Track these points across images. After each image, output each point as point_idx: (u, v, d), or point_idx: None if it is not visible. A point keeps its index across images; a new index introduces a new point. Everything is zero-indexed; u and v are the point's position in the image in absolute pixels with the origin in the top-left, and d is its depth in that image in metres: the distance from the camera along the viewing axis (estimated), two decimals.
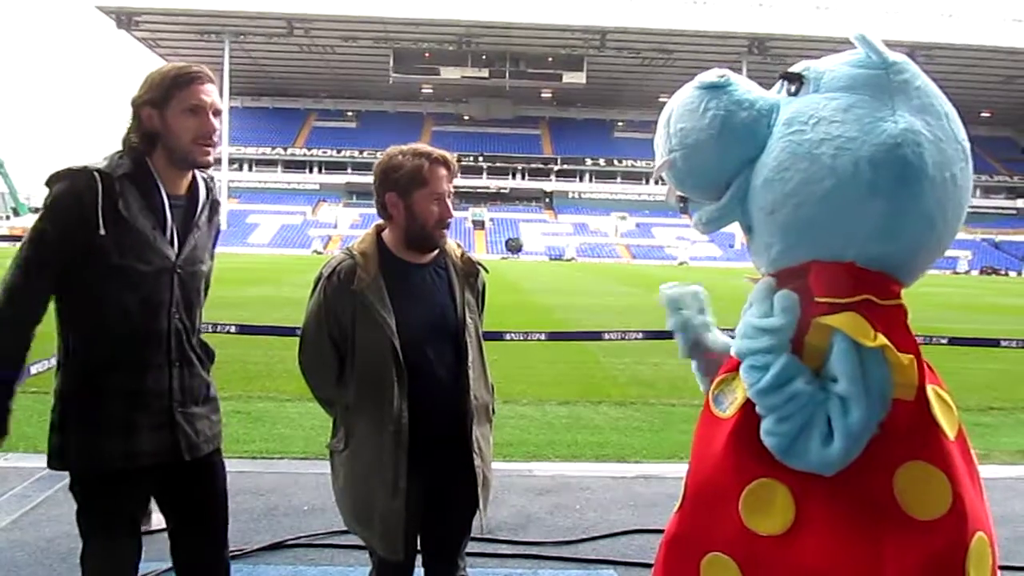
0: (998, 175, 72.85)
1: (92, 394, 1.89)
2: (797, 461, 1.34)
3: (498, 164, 73.90)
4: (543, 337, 10.21)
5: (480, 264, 2.27)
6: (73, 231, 1.82)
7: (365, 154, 67.58)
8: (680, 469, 1.55)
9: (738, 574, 1.41)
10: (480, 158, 73.39)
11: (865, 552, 1.31)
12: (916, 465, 1.33)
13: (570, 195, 74.56)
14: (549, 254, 60.08)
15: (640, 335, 6.43)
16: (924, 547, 1.30)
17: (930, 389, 1.37)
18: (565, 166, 74.39)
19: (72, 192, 1.82)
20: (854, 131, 1.33)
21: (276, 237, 62.21)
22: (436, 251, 2.19)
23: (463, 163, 69.18)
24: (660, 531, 1.56)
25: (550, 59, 67.07)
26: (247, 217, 65.25)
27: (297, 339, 2.20)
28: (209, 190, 2.07)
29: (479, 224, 67.28)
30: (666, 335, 1.82)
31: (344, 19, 58.54)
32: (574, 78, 67.16)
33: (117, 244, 1.85)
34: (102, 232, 1.82)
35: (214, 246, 2.13)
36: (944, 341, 9.97)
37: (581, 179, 75.16)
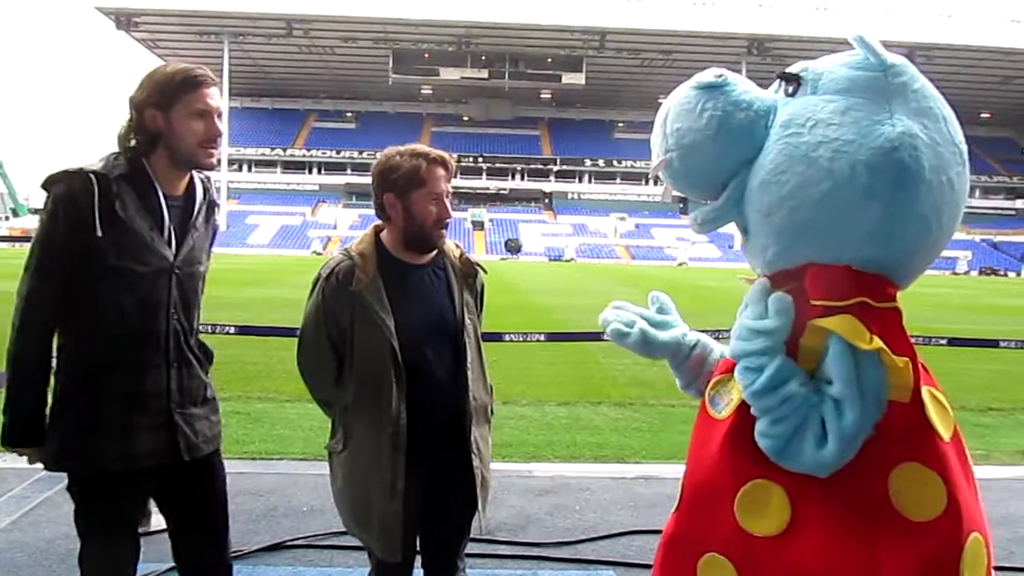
0: (997, 176, 72.91)
1: (90, 395, 1.89)
2: (791, 463, 1.34)
3: (497, 165, 73.94)
4: (542, 338, 10.26)
5: (479, 265, 2.27)
6: (74, 233, 1.82)
7: (364, 155, 67.63)
8: (679, 470, 1.55)
9: (734, 575, 1.42)
10: (479, 159, 73.43)
11: (860, 553, 1.32)
12: (911, 467, 1.33)
13: (569, 196, 74.59)
14: (548, 255, 60.09)
15: None
16: (919, 548, 1.30)
17: (925, 391, 1.37)
18: (564, 167, 74.43)
19: (69, 194, 1.82)
20: (851, 134, 1.33)
21: (275, 238, 62.23)
22: (435, 252, 2.19)
23: (462, 164, 69.55)
24: (659, 532, 1.57)
25: (549, 60, 67.11)
26: (246, 218, 65.25)
27: (296, 340, 2.20)
28: (206, 190, 2.07)
29: (478, 225, 67.28)
30: None
31: (343, 20, 58.56)
32: (573, 79, 67.21)
33: (114, 245, 1.85)
34: (99, 233, 1.82)
35: (211, 247, 2.13)
36: (943, 342, 10.01)
37: (580, 180, 75.21)
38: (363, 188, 55.64)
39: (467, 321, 2.16)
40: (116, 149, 1.94)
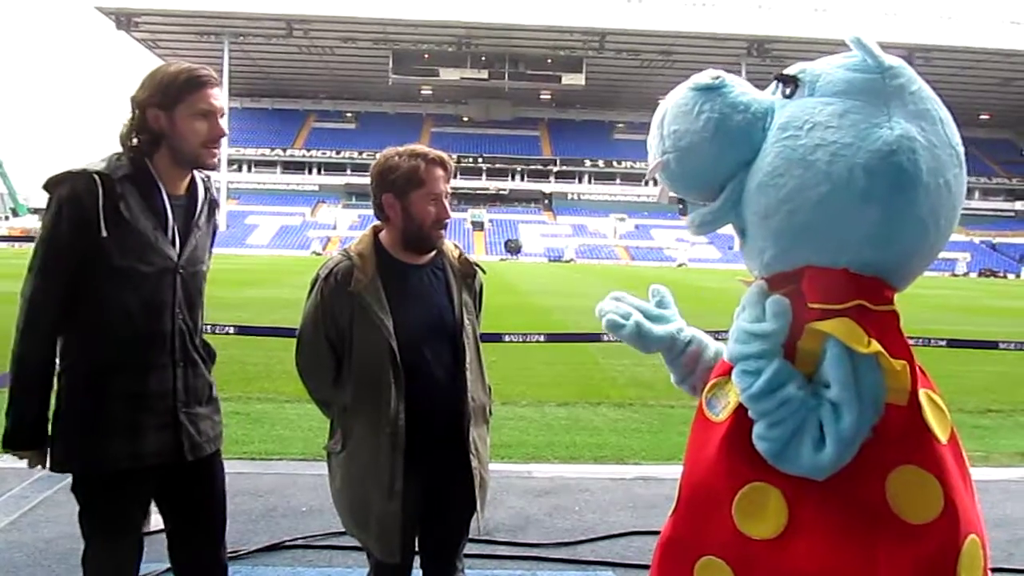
0: (997, 177, 72.97)
1: (97, 396, 1.89)
2: (789, 466, 1.34)
3: (497, 165, 73.98)
4: (542, 338, 10.21)
5: (477, 265, 2.27)
6: (78, 234, 1.82)
7: (364, 155, 67.65)
8: (679, 471, 1.55)
9: None
10: (479, 159, 73.46)
11: (858, 556, 1.32)
12: (908, 469, 1.33)
13: (569, 196, 74.61)
14: (548, 255, 60.09)
15: None
16: (916, 551, 1.30)
17: (923, 393, 1.37)
18: (564, 167, 74.46)
19: (73, 195, 1.82)
20: (849, 137, 1.33)
21: (275, 238, 62.24)
22: (433, 252, 2.19)
23: (462, 164, 69.58)
24: (659, 533, 1.57)
25: (549, 60, 67.15)
26: (246, 218, 65.25)
27: (295, 340, 2.20)
28: (207, 189, 2.07)
29: (478, 225, 67.30)
30: None
31: (343, 20, 58.58)
32: (573, 80, 67.25)
33: (119, 246, 1.85)
34: (104, 234, 1.82)
35: (212, 246, 2.13)
36: (943, 343, 9.97)
37: (580, 180, 75.24)
38: (363, 188, 55.63)
39: (466, 321, 2.16)
40: (117, 149, 1.94)
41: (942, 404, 1.43)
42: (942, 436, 1.38)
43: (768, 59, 57.49)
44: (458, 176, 72.58)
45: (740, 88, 1.46)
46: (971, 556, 1.33)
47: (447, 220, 2.14)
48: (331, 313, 2.08)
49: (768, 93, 1.50)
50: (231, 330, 5.94)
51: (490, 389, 2.27)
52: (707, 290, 21.94)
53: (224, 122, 1.99)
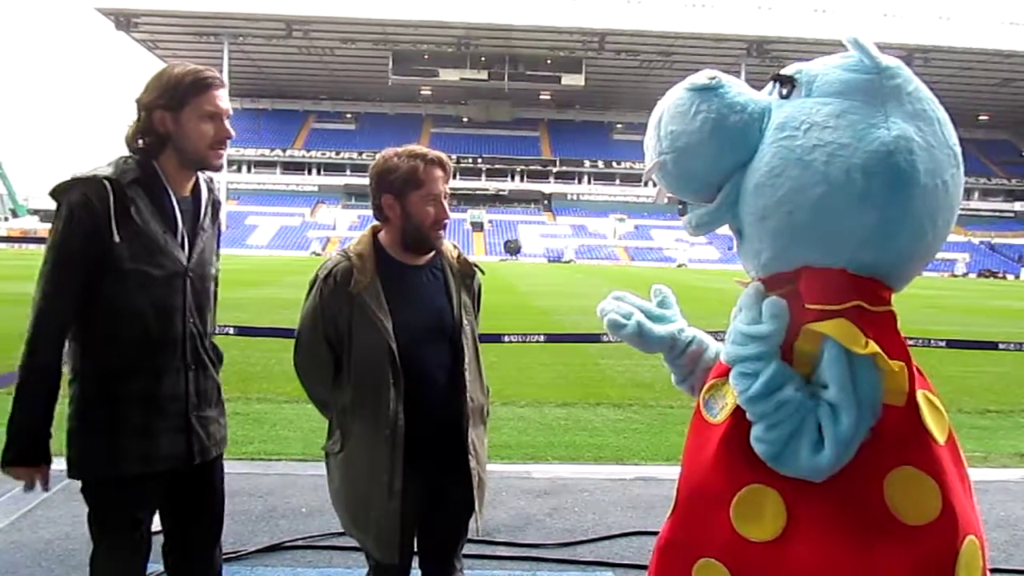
0: (996, 178, 73.00)
1: (110, 400, 1.89)
2: (787, 468, 1.34)
3: (497, 166, 73.98)
4: (542, 339, 10.23)
5: (476, 266, 2.27)
6: (90, 240, 1.82)
7: (364, 156, 67.64)
8: (678, 471, 1.55)
9: None
10: (479, 160, 73.47)
11: (855, 557, 1.31)
12: (906, 471, 1.33)
13: (569, 197, 74.61)
14: (548, 256, 60.09)
15: None
16: (914, 552, 1.30)
17: (920, 395, 1.38)
18: (564, 168, 74.47)
19: (85, 201, 1.81)
20: (847, 138, 1.33)
21: (275, 238, 62.23)
22: (432, 253, 2.19)
23: (462, 165, 69.57)
24: (658, 533, 1.57)
25: (549, 61, 67.17)
26: (246, 219, 65.25)
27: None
28: (210, 190, 2.08)
29: (478, 226, 67.29)
30: None
31: (343, 21, 58.59)
32: (573, 80, 67.27)
33: (130, 250, 1.85)
34: (117, 239, 1.83)
35: (218, 247, 2.13)
36: (942, 344, 9.99)
37: (580, 181, 75.24)
38: (362, 189, 55.65)
39: (465, 322, 2.16)
40: (121, 150, 1.94)
41: (940, 405, 1.43)
42: (940, 437, 1.38)
43: (768, 59, 57.53)
44: (457, 177, 72.55)
45: (737, 88, 1.46)
46: (969, 557, 1.33)
47: (446, 221, 2.14)
48: (330, 314, 2.08)
49: (765, 94, 1.50)
50: (231, 330, 5.95)
51: (488, 390, 2.27)
52: (706, 290, 21.95)
53: (230, 124, 1.99)
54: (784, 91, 1.44)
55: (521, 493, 4.10)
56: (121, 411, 1.89)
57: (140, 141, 1.92)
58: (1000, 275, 57.42)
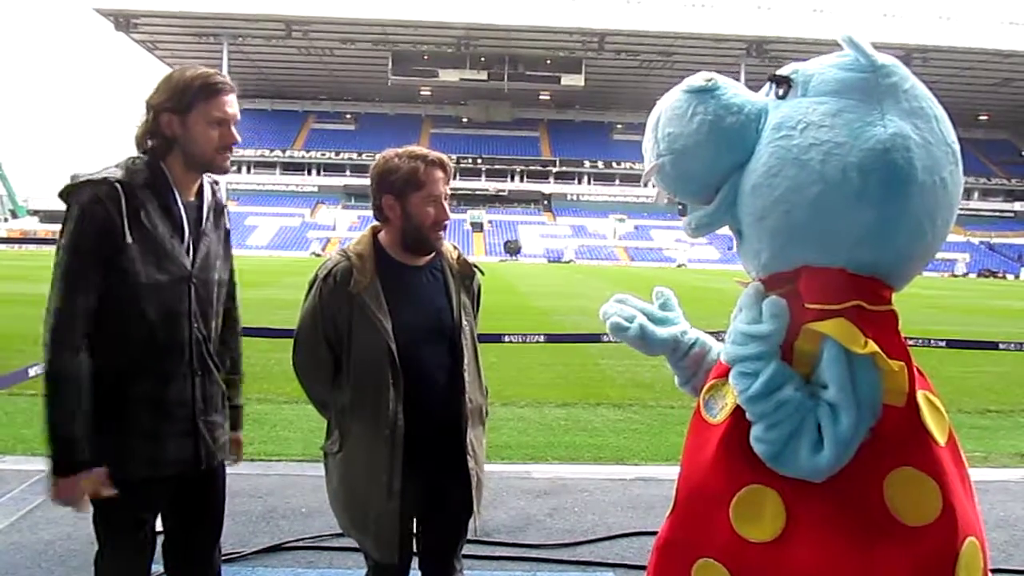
0: (995, 178, 72.99)
1: (119, 404, 1.89)
2: (787, 468, 1.34)
3: (497, 166, 73.97)
4: (542, 339, 10.27)
5: (476, 266, 2.28)
6: (104, 239, 1.81)
7: (364, 156, 67.63)
8: (678, 472, 1.55)
9: None
10: (479, 160, 73.46)
11: (855, 558, 1.31)
12: (906, 471, 1.33)
13: (568, 197, 74.60)
14: (548, 256, 60.08)
15: None
16: (914, 553, 1.30)
17: (920, 395, 1.37)
18: (563, 168, 74.46)
19: (97, 202, 1.81)
20: (843, 136, 1.33)
21: (274, 239, 62.22)
22: (432, 253, 2.19)
23: (461, 165, 69.51)
24: (657, 533, 1.56)
25: (548, 61, 67.18)
26: (245, 219, 65.21)
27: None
28: (214, 193, 2.07)
29: (478, 226, 67.29)
30: None
31: (342, 21, 58.60)
32: (572, 80, 67.28)
33: (139, 253, 1.85)
34: (129, 241, 1.83)
35: (228, 247, 2.11)
36: (942, 344, 10.03)
37: (580, 181, 75.23)
38: (362, 189, 55.68)
39: (464, 323, 2.16)
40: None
41: (940, 406, 1.43)
42: (940, 438, 1.38)
43: (767, 60, 57.52)
44: (457, 177, 72.13)
45: (733, 90, 1.46)
46: (970, 558, 1.33)
47: (446, 222, 2.14)
48: (330, 313, 2.08)
49: (762, 94, 1.50)
50: None
51: (487, 390, 2.27)
52: (706, 291, 21.94)
53: (237, 130, 1.98)
54: (780, 91, 1.44)
55: (521, 493, 4.10)
56: (129, 414, 1.89)
57: (148, 142, 1.92)
58: (1000, 275, 57.41)
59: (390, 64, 65.84)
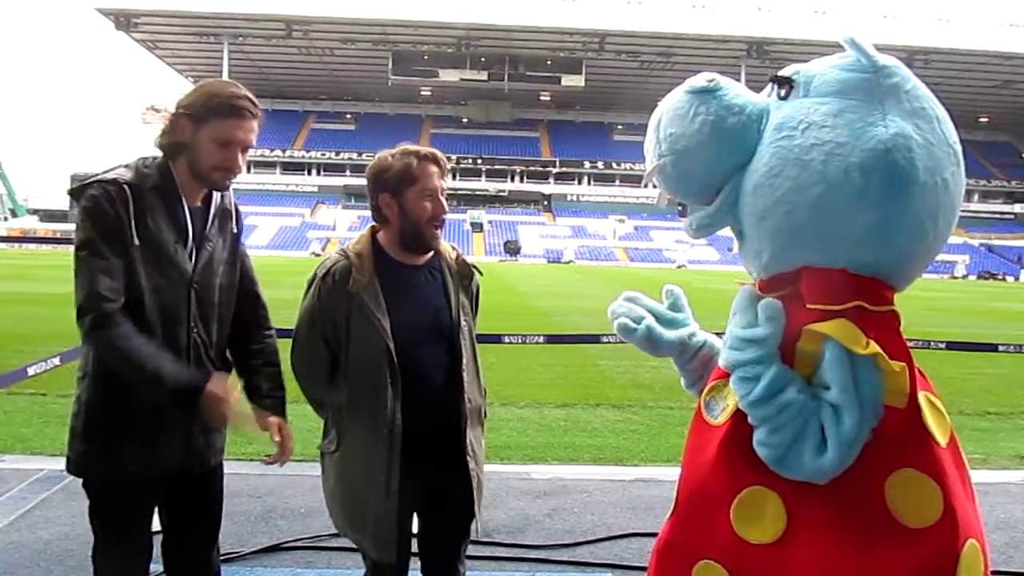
0: (996, 180, 73.00)
1: (115, 405, 1.90)
2: (791, 471, 1.33)
3: (497, 167, 73.96)
4: (541, 340, 10.27)
5: (475, 267, 2.27)
6: (115, 235, 1.82)
7: (364, 156, 67.58)
8: (678, 472, 1.54)
9: None
10: (479, 160, 73.46)
11: (856, 560, 1.31)
12: (907, 473, 1.32)
13: (568, 198, 74.61)
14: (547, 257, 60.07)
15: None
16: (915, 555, 1.29)
17: (922, 396, 1.37)
18: (564, 169, 74.46)
19: (107, 198, 1.82)
20: (844, 136, 1.33)
21: (274, 239, 62.18)
22: (431, 253, 2.19)
23: (461, 166, 69.53)
24: (658, 535, 1.56)
25: (549, 62, 67.21)
26: (245, 219, 64.68)
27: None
28: (222, 197, 2.07)
29: (477, 227, 67.28)
30: None
31: (342, 21, 58.63)
32: (573, 81, 67.32)
33: (144, 256, 1.85)
34: (136, 243, 1.83)
35: (235, 251, 2.10)
36: (942, 346, 10.03)
37: (580, 182, 75.24)
38: (362, 189, 55.03)
39: (463, 323, 2.16)
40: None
41: (941, 407, 1.43)
42: (942, 439, 1.37)
43: (768, 61, 57.61)
44: (457, 177, 72.98)
45: (735, 91, 1.46)
46: (970, 561, 1.32)
47: (444, 216, 2.14)
48: (328, 312, 2.08)
49: (763, 95, 1.50)
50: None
51: (485, 391, 2.27)
52: (706, 291, 21.95)
53: (245, 156, 1.97)
54: (782, 92, 1.44)
55: (520, 494, 4.10)
56: (123, 416, 1.90)
57: (163, 139, 1.93)
58: (1000, 277, 57.42)
59: (390, 64, 65.85)
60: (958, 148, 1.41)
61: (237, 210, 2.14)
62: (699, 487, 1.46)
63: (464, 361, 2.14)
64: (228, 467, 2.21)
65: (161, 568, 2.18)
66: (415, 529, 2.23)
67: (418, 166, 2.08)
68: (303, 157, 73.79)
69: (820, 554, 1.32)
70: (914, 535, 1.30)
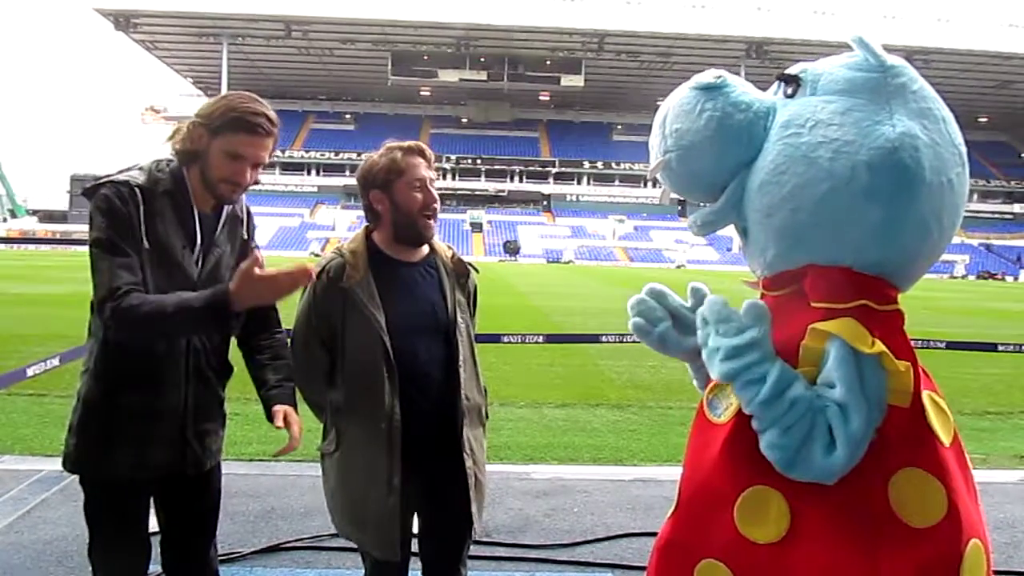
0: (995, 180, 73.03)
1: (111, 405, 1.90)
2: (801, 472, 1.31)
3: (496, 167, 73.94)
4: (541, 340, 10.25)
5: (471, 265, 2.28)
6: (128, 232, 1.82)
7: (363, 156, 65.96)
8: (677, 472, 1.53)
9: None
10: (478, 161, 73.45)
11: (860, 560, 1.30)
12: (911, 472, 1.32)
13: (568, 198, 74.60)
14: (547, 257, 60.07)
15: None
16: (919, 555, 1.29)
17: (926, 395, 1.37)
18: (563, 169, 74.47)
19: (119, 198, 1.82)
20: (851, 134, 1.33)
21: (274, 239, 62.14)
22: (426, 250, 2.19)
23: (461, 166, 69.57)
24: (657, 534, 1.56)
25: (548, 62, 67.22)
26: None
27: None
28: (234, 203, 2.07)
29: (477, 227, 67.27)
30: None
31: (342, 21, 58.61)
32: (572, 81, 67.32)
33: (151, 259, 1.86)
34: (145, 246, 1.84)
35: (244, 255, 2.08)
36: (942, 345, 10.02)
37: (579, 182, 75.23)
38: None
39: (459, 319, 2.16)
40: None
41: (945, 406, 1.42)
42: (945, 439, 1.37)
43: (767, 61, 57.66)
44: (457, 177, 73.09)
45: (742, 88, 1.46)
46: (974, 561, 1.32)
47: (435, 205, 2.14)
48: (323, 310, 2.08)
49: (770, 93, 1.50)
50: None
51: (486, 391, 2.26)
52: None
53: (257, 172, 1.97)
54: (789, 90, 1.44)
55: (520, 494, 4.10)
56: (118, 418, 1.91)
57: (180, 145, 1.94)
58: (999, 277, 57.45)
59: (390, 64, 65.83)
60: (963, 149, 1.42)
61: (249, 216, 2.15)
62: (702, 486, 1.45)
63: (461, 357, 2.13)
64: (228, 467, 2.21)
65: (159, 568, 2.18)
66: (415, 529, 2.22)
67: (403, 158, 2.10)
68: (302, 157, 73.75)
69: (824, 553, 1.32)
70: (918, 535, 1.30)
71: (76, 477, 1.99)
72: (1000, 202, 73.33)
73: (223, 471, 2.18)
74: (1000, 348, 10.27)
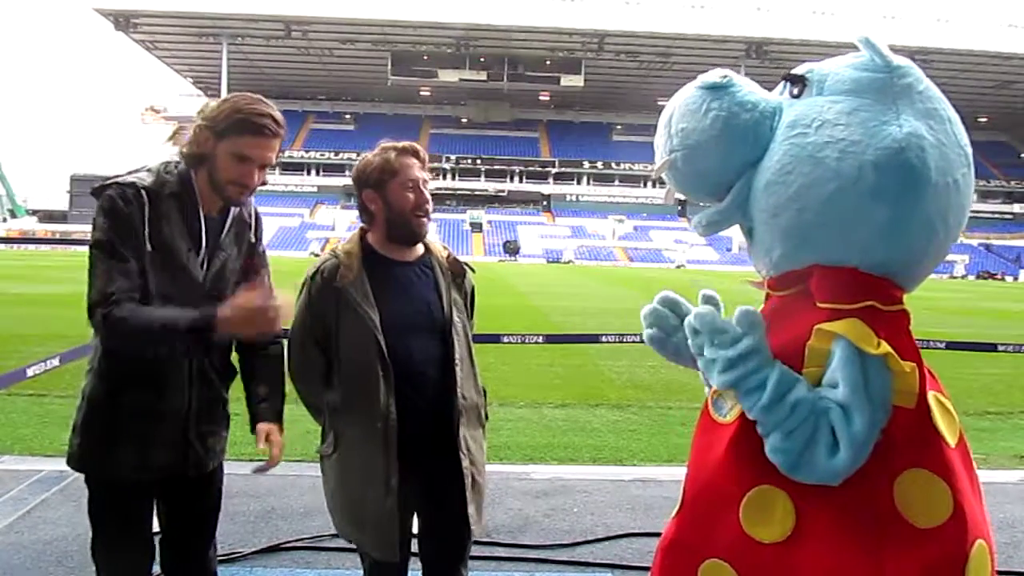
0: (995, 180, 73.04)
1: (114, 405, 1.91)
2: (806, 475, 1.31)
3: (496, 167, 73.94)
4: (541, 340, 10.25)
5: (468, 265, 2.28)
6: (131, 236, 1.82)
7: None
8: (677, 472, 1.53)
9: None
10: (478, 161, 73.45)
11: (865, 560, 1.30)
12: (917, 473, 1.32)
13: (568, 198, 74.61)
14: (547, 257, 60.08)
15: (638, 338, 6.41)
16: (924, 555, 1.29)
17: (931, 396, 1.36)
18: (563, 169, 74.47)
19: (124, 200, 1.83)
20: (858, 135, 1.33)
21: (274, 239, 62.07)
22: (421, 250, 2.20)
23: (461, 166, 69.54)
24: (657, 534, 1.55)
25: (548, 62, 67.23)
26: None
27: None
28: (241, 206, 2.06)
29: (477, 227, 67.27)
30: None
31: (342, 21, 58.62)
32: (572, 81, 67.33)
33: (155, 262, 1.86)
34: (150, 248, 1.84)
35: (251, 257, 2.09)
36: (942, 345, 10.01)
37: (579, 182, 75.23)
38: None
39: (455, 318, 2.16)
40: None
41: (950, 407, 1.42)
42: (951, 439, 1.37)
43: (767, 61, 57.67)
44: (456, 177, 73.13)
45: (748, 87, 1.46)
46: (979, 561, 1.32)
47: (427, 206, 2.14)
48: (319, 311, 2.09)
49: (776, 93, 1.49)
50: None
51: (484, 391, 2.26)
52: None
53: (265, 172, 1.96)
54: (795, 90, 1.44)
55: (520, 494, 4.10)
56: (121, 418, 1.91)
57: (187, 148, 1.94)
58: (999, 277, 57.46)
59: (389, 64, 65.84)
60: (969, 151, 1.42)
61: (258, 220, 2.14)
62: (707, 485, 1.45)
63: (457, 356, 2.13)
64: (228, 467, 2.21)
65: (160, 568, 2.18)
66: (415, 529, 2.22)
67: (397, 159, 2.10)
68: (302, 157, 73.72)
69: (829, 553, 1.32)
70: (923, 535, 1.30)
71: (77, 477, 2.01)
72: (1000, 202, 73.35)
73: (224, 472, 2.18)
74: (1000, 348, 10.26)
